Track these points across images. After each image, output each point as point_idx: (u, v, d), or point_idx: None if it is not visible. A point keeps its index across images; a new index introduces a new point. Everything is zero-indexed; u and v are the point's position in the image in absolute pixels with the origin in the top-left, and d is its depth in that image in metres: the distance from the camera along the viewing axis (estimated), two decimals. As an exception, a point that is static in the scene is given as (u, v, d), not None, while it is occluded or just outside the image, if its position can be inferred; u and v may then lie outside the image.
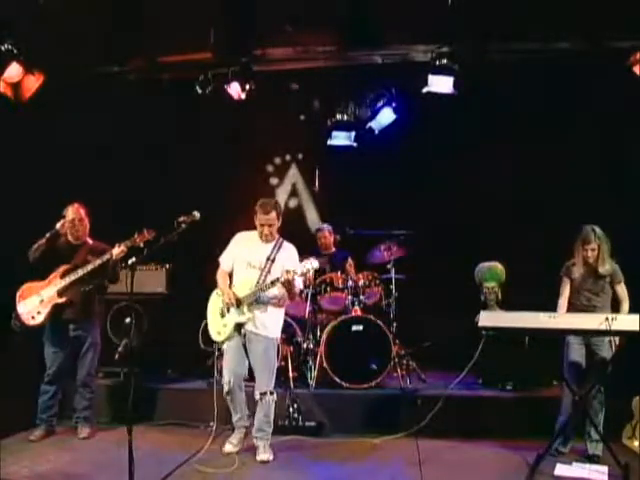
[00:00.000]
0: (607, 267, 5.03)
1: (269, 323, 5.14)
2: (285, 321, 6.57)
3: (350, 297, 6.52)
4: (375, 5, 6.14)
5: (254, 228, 5.19)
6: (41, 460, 5.08)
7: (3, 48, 5.85)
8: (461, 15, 5.84)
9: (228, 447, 5.24)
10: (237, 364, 5.15)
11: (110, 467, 4.77)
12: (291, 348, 6.43)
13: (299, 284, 5.15)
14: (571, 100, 6.91)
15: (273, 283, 4.97)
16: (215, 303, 5.27)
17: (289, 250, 5.21)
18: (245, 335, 5.12)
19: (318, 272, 6.74)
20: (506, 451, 5.26)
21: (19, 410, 5.59)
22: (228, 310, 5.11)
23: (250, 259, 5.13)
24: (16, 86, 6.05)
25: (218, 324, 5.19)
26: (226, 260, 5.26)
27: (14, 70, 5.94)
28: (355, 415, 5.89)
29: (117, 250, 5.41)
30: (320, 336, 6.42)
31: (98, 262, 5.44)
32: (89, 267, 5.44)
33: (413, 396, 5.97)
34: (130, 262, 4.36)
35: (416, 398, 5.89)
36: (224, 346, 5.23)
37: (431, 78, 6.26)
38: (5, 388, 5.40)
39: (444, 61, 6.20)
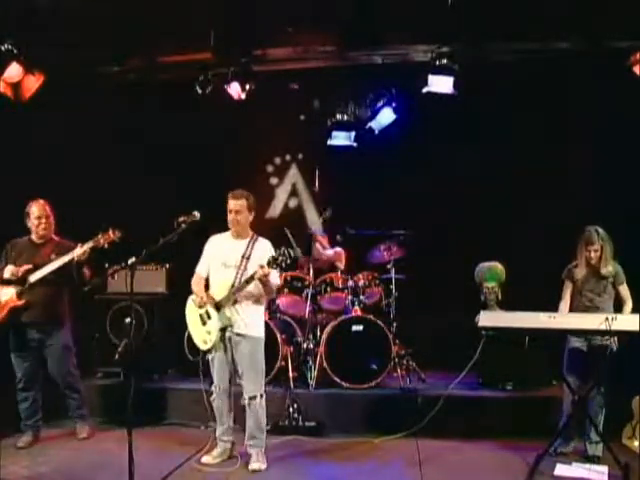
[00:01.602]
0: (609, 268, 5.03)
1: (252, 322, 4.98)
2: (285, 321, 6.65)
3: (350, 297, 6.52)
4: (375, 5, 6.14)
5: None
6: (41, 460, 5.08)
7: (3, 48, 5.84)
8: (461, 15, 5.84)
9: (206, 458, 5.03)
10: (224, 372, 5.00)
11: (110, 467, 4.77)
12: (291, 348, 6.44)
13: (275, 278, 4.98)
14: (571, 100, 6.91)
15: (248, 281, 4.82)
16: (193, 311, 5.07)
17: (264, 245, 5.04)
18: (230, 339, 4.94)
19: (318, 272, 6.81)
20: (506, 451, 5.26)
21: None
22: (209, 317, 4.93)
23: (225, 259, 4.99)
24: (16, 86, 6.05)
25: (201, 333, 4.99)
26: (201, 266, 5.11)
27: (14, 70, 5.93)
28: (355, 415, 5.89)
29: (79, 251, 5.17)
30: (320, 336, 6.41)
31: (59, 263, 5.19)
32: (49, 268, 5.20)
33: (413, 396, 5.97)
34: (130, 262, 4.34)
35: (416, 398, 5.89)
36: (209, 356, 5.04)
37: (431, 78, 6.26)
38: (5, 388, 5.40)
39: (444, 61, 6.20)
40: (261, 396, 4.96)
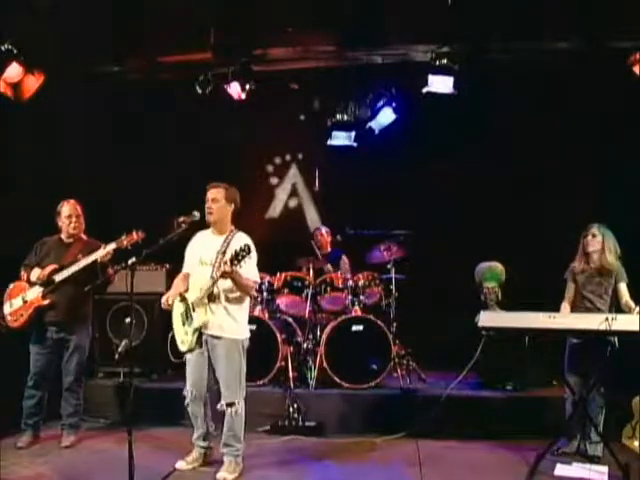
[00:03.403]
0: (612, 258, 5.03)
1: (229, 323, 4.71)
2: (285, 321, 6.65)
3: (350, 297, 6.51)
4: (375, 5, 6.14)
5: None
6: (41, 460, 5.08)
7: (3, 48, 5.84)
8: (461, 15, 5.85)
9: (180, 464, 4.84)
10: (199, 376, 4.78)
11: (110, 467, 4.76)
12: (291, 348, 6.44)
13: (249, 273, 4.66)
14: (571, 100, 6.91)
15: (216, 280, 4.56)
16: (177, 310, 4.82)
17: (240, 240, 4.71)
18: (207, 341, 4.71)
19: (318, 272, 6.82)
20: (506, 451, 5.26)
21: (20, 410, 5.57)
22: (187, 317, 4.69)
23: (202, 256, 4.77)
24: (16, 86, 6.05)
25: (181, 333, 4.77)
26: (185, 263, 4.94)
27: (14, 70, 5.93)
28: (355, 415, 5.89)
29: (102, 252, 5.17)
30: (320, 336, 6.41)
31: (83, 263, 5.20)
32: (73, 268, 5.20)
33: (413, 396, 5.97)
34: (130, 262, 4.33)
35: (416, 397, 5.90)
36: (186, 357, 4.85)
37: (431, 78, 6.26)
38: (4, 388, 5.40)
39: (444, 61, 6.20)
40: (238, 403, 4.71)
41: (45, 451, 5.31)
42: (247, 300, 4.89)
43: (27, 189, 6.41)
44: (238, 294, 4.72)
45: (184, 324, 4.77)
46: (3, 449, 5.07)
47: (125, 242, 5.16)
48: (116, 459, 4.51)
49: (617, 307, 5.05)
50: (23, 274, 5.41)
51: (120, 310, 6.57)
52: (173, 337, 4.99)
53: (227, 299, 4.71)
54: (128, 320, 6.29)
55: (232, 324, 4.73)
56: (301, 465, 5.06)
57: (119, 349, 6.34)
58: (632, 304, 4.90)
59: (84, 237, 5.55)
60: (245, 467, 4.86)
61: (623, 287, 5.04)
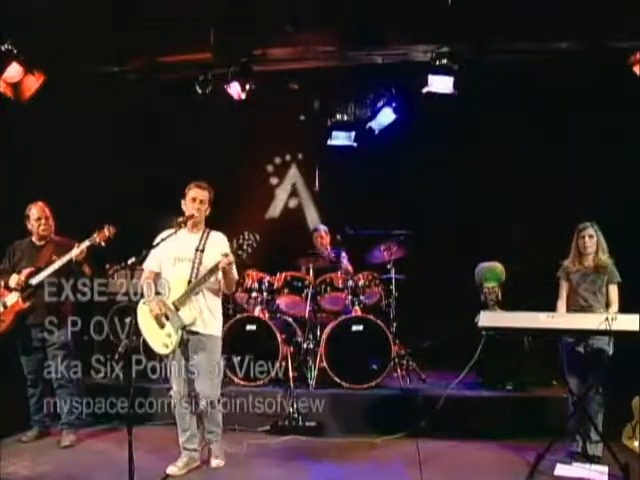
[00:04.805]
0: (605, 257, 5.03)
1: (211, 320, 4.74)
2: (285, 321, 6.65)
3: (350, 297, 6.50)
4: (375, 5, 6.15)
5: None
6: (41, 460, 5.08)
7: (3, 48, 5.85)
8: (461, 15, 5.85)
9: (171, 469, 4.77)
10: (183, 378, 4.79)
11: (110, 467, 4.76)
12: (291, 348, 6.43)
13: (234, 272, 4.75)
14: (571, 100, 6.91)
15: (212, 272, 4.59)
16: (146, 315, 4.72)
17: (218, 238, 4.82)
18: (188, 340, 4.68)
19: (318, 272, 6.82)
20: (506, 451, 5.26)
21: (20, 410, 5.58)
22: (167, 317, 4.62)
23: (178, 253, 4.72)
24: (16, 86, 6.06)
25: (160, 336, 4.67)
26: (152, 260, 4.72)
27: (14, 70, 5.94)
28: (355, 415, 5.88)
29: (76, 251, 5.18)
30: (320, 336, 6.41)
31: (58, 264, 5.20)
32: (49, 270, 5.21)
33: (413, 396, 5.97)
34: (130, 262, 4.33)
35: (416, 397, 5.89)
36: (168, 360, 4.82)
37: (431, 78, 6.27)
38: (5, 388, 5.41)
39: (444, 61, 6.21)
40: (219, 401, 4.77)
41: (45, 451, 5.32)
42: (221, 296, 4.95)
43: (27, 189, 6.40)
44: (216, 289, 4.78)
45: (163, 326, 4.68)
46: (4, 448, 5.07)
47: (98, 239, 5.19)
48: (116, 459, 4.51)
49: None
50: (0, 280, 5.42)
51: (120, 310, 6.56)
52: (145, 342, 4.86)
53: (208, 295, 4.75)
54: (128, 320, 6.28)
55: (212, 321, 4.78)
56: (301, 465, 5.06)
57: (119, 349, 6.34)
58: (611, 310, 4.92)
59: (55, 238, 5.55)
60: (245, 467, 4.87)
61: (613, 290, 5.02)
